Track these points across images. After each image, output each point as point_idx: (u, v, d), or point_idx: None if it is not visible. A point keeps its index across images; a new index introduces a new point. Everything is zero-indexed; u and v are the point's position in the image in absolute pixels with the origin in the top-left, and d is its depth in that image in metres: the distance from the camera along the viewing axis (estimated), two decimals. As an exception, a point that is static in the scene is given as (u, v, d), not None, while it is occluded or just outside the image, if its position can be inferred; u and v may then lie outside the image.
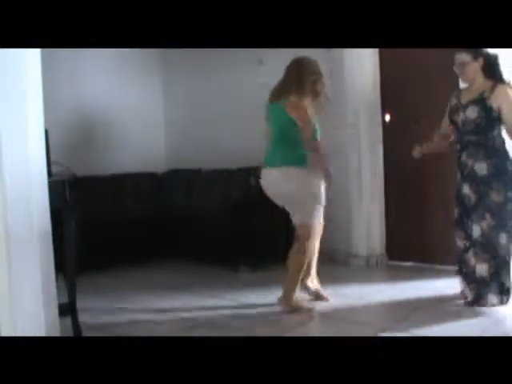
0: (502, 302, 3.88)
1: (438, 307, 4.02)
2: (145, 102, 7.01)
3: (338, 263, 5.47)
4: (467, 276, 3.96)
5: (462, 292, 4.07)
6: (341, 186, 5.44)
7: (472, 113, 3.85)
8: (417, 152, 4.22)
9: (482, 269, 3.86)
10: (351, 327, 3.70)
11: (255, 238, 5.35)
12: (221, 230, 5.52)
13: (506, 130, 3.82)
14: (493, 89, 3.82)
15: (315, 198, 4.02)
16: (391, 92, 5.27)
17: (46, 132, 3.01)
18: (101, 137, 6.53)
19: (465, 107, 3.90)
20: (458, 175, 4.00)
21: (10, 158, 2.74)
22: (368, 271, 5.30)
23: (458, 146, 3.98)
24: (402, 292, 4.44)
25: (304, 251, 4.02)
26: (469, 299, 3.95)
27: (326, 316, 3.95)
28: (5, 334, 2.59)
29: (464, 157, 3.91)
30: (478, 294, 3.90)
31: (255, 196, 5.30)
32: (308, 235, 4.03)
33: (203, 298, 4.58)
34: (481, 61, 3.85)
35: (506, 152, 3.88)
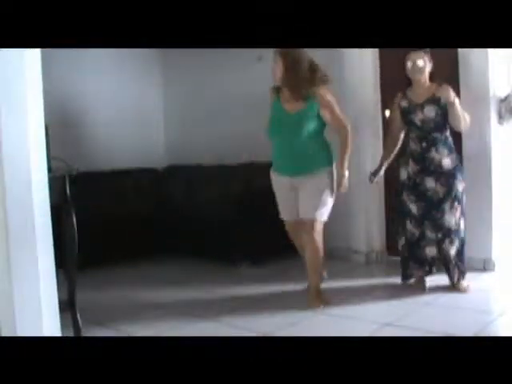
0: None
1: (437, 302, 4.04)
2: (144, 98, 7.01)
3: (338, 259, 5.48)
4: (446, 263, 4.31)
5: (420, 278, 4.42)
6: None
7: (430, 112, 4.23)
8: (373, 180, 4.63)
9: (453, 253, 4.26)
10: (352, 323, 3.71)
11: (255, 233, 5.35)
12: (221, 225, 5.53)
13: (453, 124, 4.24)
14: (439, 89, 4.21)
15: None
16: (391, 91, 5.27)
17: (47, 128, 3.01)
18: (101, 132, 6.53)
19: (422, 107, 4.25)
20: (416, 169, 4.32)
21: (10, 154, 2.73)
22: (368, 267, 5.31)
23: (424, 144, 4.27)
24: (402, 288, 4.45)
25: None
26: (454, 281, 4.29)
27: (326, 312, 3.96)
28: (5, 333, 2.59)
29: (433, 153, 4.25)
30: (458, 277, 4.29)
31: (255, 191, 5.31)
32: None
33: (203, 293, 4.59)
34: (431, 65, 4.28)
35: (454, 147, 4.34)
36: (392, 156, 4.57)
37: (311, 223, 4.03)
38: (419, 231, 4.34)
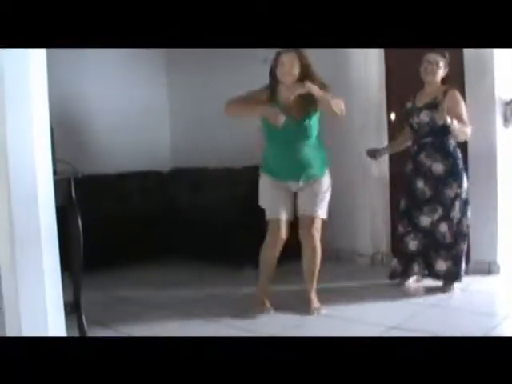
0: (448, 287, 4.34)
1: (443, 304, 4.03)
2: (150, 101, 7.01)
3: (342, 261, 5.48)
4: (404, 256, 4.48)
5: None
6: (345, 185, 5.45)
7: (425, 117, 4.24)
8: (371, 155, 4.78)
9: (438, 255, 4.34)
10: (356, 326, 3.70)
11: (260, 236, 5.34)
12: (225, 228, 5.52)
13: (452, 132, 4.15)
14: (445, 93, 4.19)
15: None
16: (397, 92, 5.27)
17: (52, 130, 3.01)
18: (106, 135, 6.54)
19: (419, 111, 4.28)
20: (411, 171, 4.40)
21: (15, 156, 2.74)
22: (373, 269, 5.29)
23: (415, 147, 4.37)
24: (407, 289, 4.44)
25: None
26: (398, 272, 4.53)
27: (330, 315, 3.95)
28: (10, 334, 2.59)
29: (422, 157, 4.31)
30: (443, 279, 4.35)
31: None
32: None
33: (207, 295, 4.59)
34: (446, 70, 4.27)
35: (457, 153, 4.30)
36: (397, 149, 4.76)
37: (311, 220, 3.98)
38: (403, 227, 4.47)
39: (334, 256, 5.52)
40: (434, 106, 4.20)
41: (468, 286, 4.37)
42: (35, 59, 2.67)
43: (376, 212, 5.43)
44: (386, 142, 5.34)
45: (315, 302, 4.04)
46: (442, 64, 4.25)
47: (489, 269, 4.72)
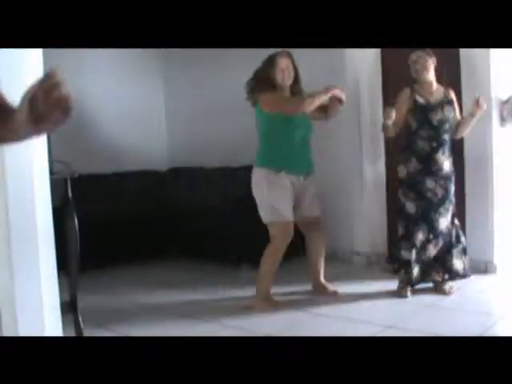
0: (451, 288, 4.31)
1: (439, 304, 4.03)
2: (146, 100, 7.02)
3: (339, 261, 5.48)
4: (433, 263, 4.28)
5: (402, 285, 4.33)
6: (342, 184, 5.46)
7: (449, 112, 4.17)
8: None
9: (445, 255, 4.25)
10: (353, 325, 3.70)
11: (256, 235, 5.34)
12: (222, 227, 5.52)
13: (456, 128, 4.25)
14: (448, 91, 4.24)
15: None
16: (393, 90, 5.27)
17: (48, 130, 3.00)
18: (103, 135, 6.54)
19: (440, 106, 4.15)
20: (418, 168, 4.20)
21: (12, 156, 2.74)
22: (370, 269, 5.30)
23: (434, 145, 4.17)
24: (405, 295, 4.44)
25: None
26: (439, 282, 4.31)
27: (327, 314, 3.95)
28: (7, 334, 2.59)
29: (439, 155, 4.18)
30: (442, 278, 4.29)
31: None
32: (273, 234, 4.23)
33: (204, 295, 4.59)
34: (435, 66, 4.23)
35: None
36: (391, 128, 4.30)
37: (319, 221, 4.39)
38: (411, 231, 4.22)
39: (331, 255, 5.53)
40: (451, 102, 4.22)
41: (464, 285, 4.37)
42: (32, 59, 2.67)
43: (373, 212, 5.44)
44: (382, 142, 5.35)
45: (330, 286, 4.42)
46: (429, 59, 4.15)
47: (485, 268, 4.73)
